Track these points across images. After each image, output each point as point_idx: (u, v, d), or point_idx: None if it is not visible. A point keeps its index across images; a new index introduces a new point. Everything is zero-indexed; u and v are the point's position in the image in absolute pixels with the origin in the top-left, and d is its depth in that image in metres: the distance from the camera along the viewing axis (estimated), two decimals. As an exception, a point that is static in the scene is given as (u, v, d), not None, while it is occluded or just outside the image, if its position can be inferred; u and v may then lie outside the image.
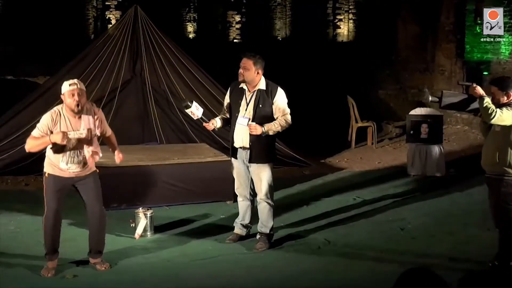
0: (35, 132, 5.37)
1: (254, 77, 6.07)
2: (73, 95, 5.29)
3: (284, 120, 6.09)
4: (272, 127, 6.03)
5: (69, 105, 5.33)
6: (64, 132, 5.26)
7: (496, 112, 5.18)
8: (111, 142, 5.91)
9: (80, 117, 5.38)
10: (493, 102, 5.31)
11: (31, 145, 5.37)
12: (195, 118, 6.26)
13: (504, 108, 5.23)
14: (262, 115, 6.04)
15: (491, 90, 5.45)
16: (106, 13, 22.26)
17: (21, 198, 8.02)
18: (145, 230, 6.52)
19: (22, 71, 16.73)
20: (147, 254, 6.06)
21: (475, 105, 5.59)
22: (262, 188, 6.17)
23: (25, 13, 19.68)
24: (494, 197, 5.49)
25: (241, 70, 6.07)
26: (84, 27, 21.90)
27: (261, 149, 6.08)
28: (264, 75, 6.17)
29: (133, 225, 6.57)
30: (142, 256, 6.00)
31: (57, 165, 5.41)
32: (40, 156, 9.09)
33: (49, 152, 5.44)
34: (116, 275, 5.53)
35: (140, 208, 6.61)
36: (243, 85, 6.16)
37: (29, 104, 9.87)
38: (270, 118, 6.07)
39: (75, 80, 5.43)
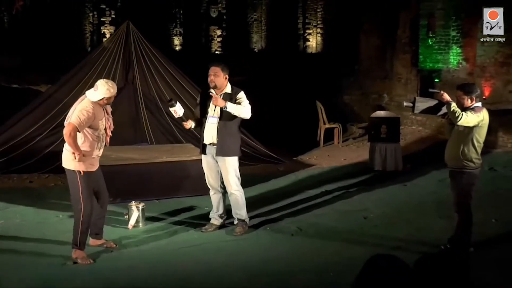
0: (77, 123, 5.19)
1: (223, 82, 6.12)
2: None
3: (243, 106, 6.09)
4: (233, 106, 6.02)
5: (110, 99, 5.42)
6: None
7: (462, 115, 5.29)
8: None
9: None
10: (457, 105, 5.38)
11: (73, 138, 5.20)
12: (176, 117, 6.22)
13: (468, 112, 5.34)
14: (229, 114, 6.08)
15: (457, 94, 5.51)
16: (102, 28, 22.17)
17: (25, 193, 7.92)
18: (137, 221, 6.48)
19: (26, 80, 16.57)
20: (139, 242, 6.02)
21: (444, 109, 5.64)
22: (230, 180, 6.19)
23: (30, 28, 19.53)
24: (457, 187, 5.57)
25: (212, 77, 6.07)
26: (81, 41, 21.76)
27: (227, 144, 6.13)
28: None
29: (127, 217, 6.54)
30: (135, 244, 5.97)
31: (91, 156, 5.35)
32: (42, 156, 9.12)
33: (83, 147, 5.30)
34: (112, 261, 5.49)
35: (133, 202, 6.56)
36: (212, 90, 6.15)
37: (32, 110, 9.77)
38: (235, 117, 6.11)
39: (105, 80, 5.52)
